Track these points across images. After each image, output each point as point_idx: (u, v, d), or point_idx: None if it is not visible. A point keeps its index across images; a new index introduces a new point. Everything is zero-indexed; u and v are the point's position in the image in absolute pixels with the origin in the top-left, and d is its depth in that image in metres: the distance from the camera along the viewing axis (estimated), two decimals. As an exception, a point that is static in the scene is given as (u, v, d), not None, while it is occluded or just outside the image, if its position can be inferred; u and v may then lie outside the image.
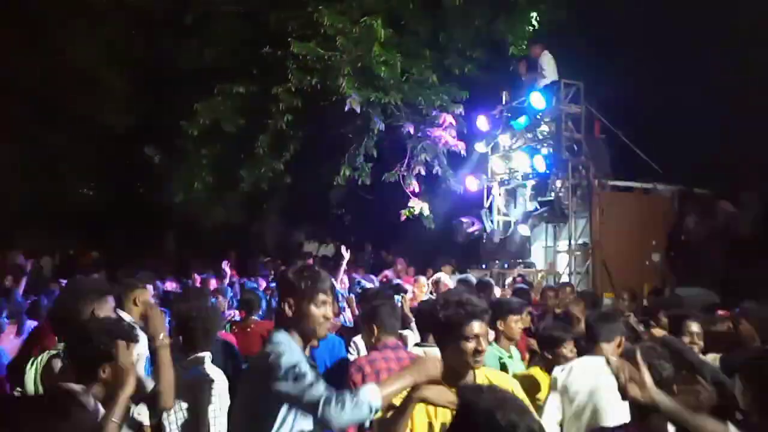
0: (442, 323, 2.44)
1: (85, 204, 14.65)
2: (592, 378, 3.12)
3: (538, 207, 9.82)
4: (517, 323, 4.12)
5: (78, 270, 10.80)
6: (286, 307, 2.33)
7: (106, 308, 2.90)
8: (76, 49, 11.58)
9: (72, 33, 11.61)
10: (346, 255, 7.11)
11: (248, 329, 5.25)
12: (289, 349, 2.21)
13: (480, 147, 10.99)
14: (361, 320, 4.01)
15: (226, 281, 7.69)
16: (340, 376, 3.53)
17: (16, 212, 13.30)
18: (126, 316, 3.98)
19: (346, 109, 9.01)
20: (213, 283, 7.65)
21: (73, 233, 14.31)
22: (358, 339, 4.23)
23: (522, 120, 10.18)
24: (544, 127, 10.40)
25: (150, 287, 4.81)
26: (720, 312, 5.19)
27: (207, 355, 3.20)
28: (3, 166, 12.34)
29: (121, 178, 14.54)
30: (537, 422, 1.56)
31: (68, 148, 12.97)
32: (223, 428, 3.01)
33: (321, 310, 2.33)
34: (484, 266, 10.73)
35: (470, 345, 2.36)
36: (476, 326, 2.38)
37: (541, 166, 9.66)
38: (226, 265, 7.88)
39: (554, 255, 10.21)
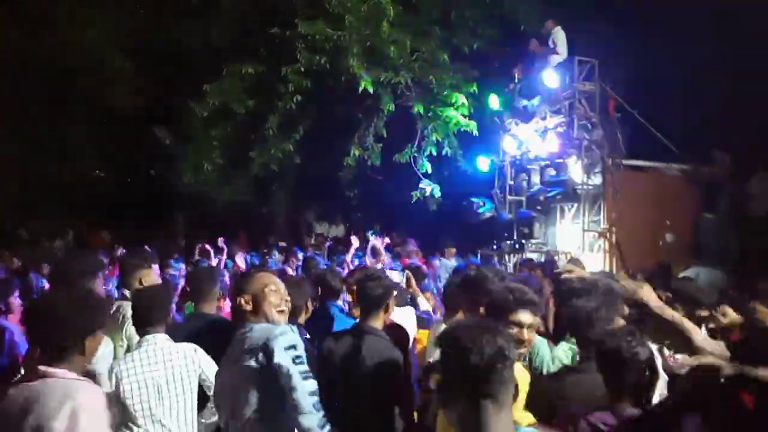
0: (491, 305, 2.49)
1: (96, 185, 14.71)
2: None
3: (551, 187, 9.71)
4: None
5: (90, 251, 10.86)
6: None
7: (97, 285, 2.91)
8: (84, 30, 11.52)
9: (80, 15, 11.55)
10: (355, 243, 7.11)
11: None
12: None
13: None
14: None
15: (223, 257, 7.65)
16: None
17: (28, 194, 13.39)
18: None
19: (360, 91, 8.91)
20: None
21: (84, 215, 14.38)
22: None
23: (535, 101, 10.02)
24: (558, 106, 10.23)
25: (156, 267, 4.80)
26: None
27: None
28: (12, 144, 12.39)
29: (132, 160, 14.55)
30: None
31: (79, 130, 13.00)
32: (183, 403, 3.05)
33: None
34: (495, 247, 10.67)
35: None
36: (522, 315, 2.41)
37: (554, 145, 9.51)
38: (222, 242, 7.84)
39: (567, 235, 10.11)
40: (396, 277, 4.97)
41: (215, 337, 3.05)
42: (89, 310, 2.31)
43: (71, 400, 2.12)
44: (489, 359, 1.51)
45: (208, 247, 7.70)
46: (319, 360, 3.21)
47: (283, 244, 11.97)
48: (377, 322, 3.31)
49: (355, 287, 3.67)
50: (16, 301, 5.06)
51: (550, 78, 9.40)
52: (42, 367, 2.21)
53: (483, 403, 1.52)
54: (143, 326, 3.16)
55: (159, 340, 3.12)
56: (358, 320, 3.49)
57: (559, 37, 9.82)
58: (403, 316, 4.25)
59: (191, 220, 16.19)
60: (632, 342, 2.30)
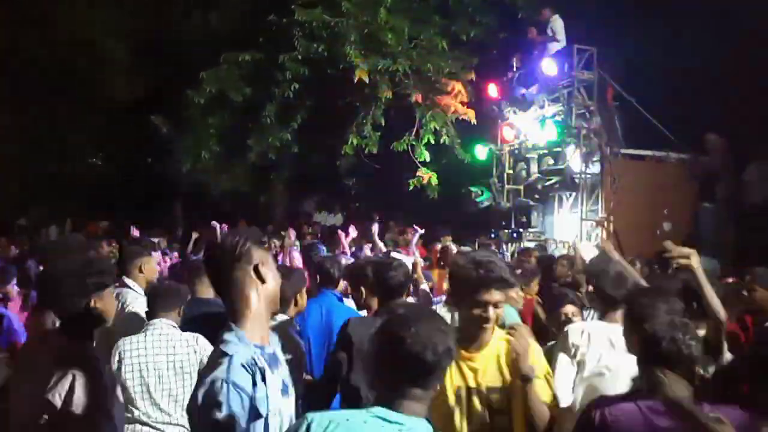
0: (457, 284, 2.39)
1: (94, 173, 14.69)
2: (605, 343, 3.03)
3: (549, 176, 9.71)
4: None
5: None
6: None
7: None
8: (80, 18, 11.45)
9: (78, 2, 11.48)
10: (352, 233, 7.10)
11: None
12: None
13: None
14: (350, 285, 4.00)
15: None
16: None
17: (26, 182, 13.37)
18: (132, 284, 4.02)
19: (355, 80, 8.88)
20: None
21: (82, 203, 14.37)
22: None
23: (534, 90, 9.99)
24: (556, 95, 10.21)
25: (156, 254, 4.82)
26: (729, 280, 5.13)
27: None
28: (12, 136, 12.35)
29: (129, 148, 14.51)
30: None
31: (76, 118, 12.96)
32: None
33: None
34: (492, 236, 10.67)
35: (478, 311, 2.28)
36: (489, 293, 2.26)
37: (552, 134, 9.50)
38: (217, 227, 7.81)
39: (565, 224, 10.13)
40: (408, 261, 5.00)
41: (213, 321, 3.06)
42: (92, 269, 2.40)
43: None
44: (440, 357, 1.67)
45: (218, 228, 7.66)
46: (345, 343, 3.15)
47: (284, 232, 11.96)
48: None
49: (370, 276, 3.59)
50: (14, 289, 5.07)
51: (549, 66, 9.37)
52: None
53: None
54: (155, 312, 3.22)
55: (164, 326, 3.16)
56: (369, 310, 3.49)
57: (557, 25, 9.79)
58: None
59: (189, 209, 16.18)
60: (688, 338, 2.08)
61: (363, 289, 3.53)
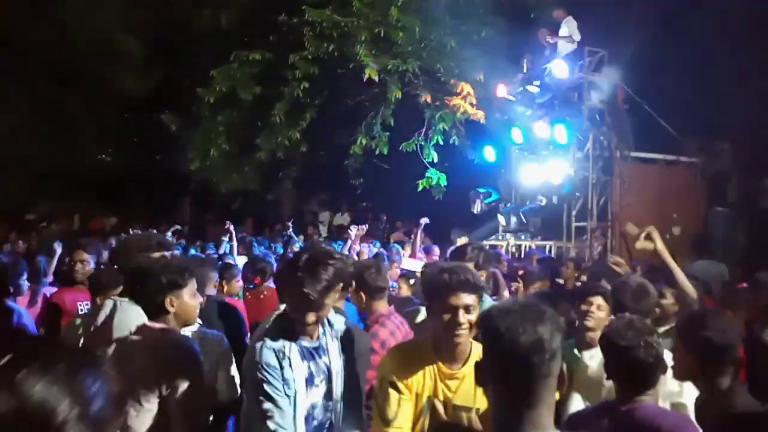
0: (427, 292, 2.35)
1: (103, 169, 14.76)
2: None
3: (558, 178, 9.66)
4: None
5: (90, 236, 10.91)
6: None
7: None
8: (92, 14, 11.50)
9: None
10: (353, 231, 7.02)
11: (261, 296, 5.29)
12: None
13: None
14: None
15: (234, 243, 7.67)
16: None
17: (35, 177, 13.44)
18: None
19: (365, 79, 8.87)
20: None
21: (91, 198, 14.44)
22: None
23: (544, 91, 9.96)
24: (566, 96, 10.16)
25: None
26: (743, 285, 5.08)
27: None
28: (22, 131, 12.43)
29: (139, 145, 14.58)
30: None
31: (86, 113, 13.03)
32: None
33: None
34: (501, 237, 10.65)
35: (447, 316, 2.19)
36: (456, 297, 2.19)
37: (561, 136, 9.46)
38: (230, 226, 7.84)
39: (574, 227, 10.08)
40: (416, 265, 5.00)
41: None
42: (170, 268, 2.46)
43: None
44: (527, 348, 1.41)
45: (231, 228, 7.69)
46: None
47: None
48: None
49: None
50: (24, 284, 5.09)
51: (559, 68, 9.33)
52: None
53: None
54: None
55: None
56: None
57: (571, 25, 9.74)
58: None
59: (197, 206, 16.23)
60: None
61: (362, 293, 3.41)
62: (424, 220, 7.35)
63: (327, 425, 2.41)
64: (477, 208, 10.72)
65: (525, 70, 10.72)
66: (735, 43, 9.48)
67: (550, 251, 9.59)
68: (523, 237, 10.24)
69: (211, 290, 4.33)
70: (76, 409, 0.74)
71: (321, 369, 2.38)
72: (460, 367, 2.26)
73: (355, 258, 6.06)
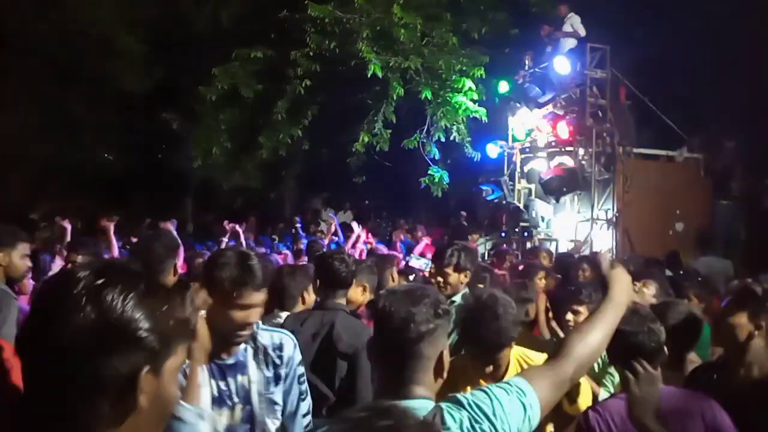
0: None
1: (105, 168, 14.76)
2: None
3: (560, 175, 9.64)
4: None
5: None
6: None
7: None
8: (93, 11, 11.50)
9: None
10: (357, 230, 7.05)
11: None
12: None
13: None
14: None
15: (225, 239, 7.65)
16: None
17: (37, 176, 13.45)
18: None
19: (369, 75, 8.86)
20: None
21: (93, 197, 14.44)
22: None
23: (546, 88, 9.92)
24: (568, 93, 10.13)
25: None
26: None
27: None
28: (24, 129, 12.43)
29: (141, 143, 14.58)
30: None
31: (88, 112, 13.02)
32: None
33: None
34: (503, 234, 10.63)
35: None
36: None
37: (564, 133, 9.44)
38: (227, 225, 7.82)
39: (576, 224, 10.06)
40: (422, 264, 5.00)
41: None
42: None
43: None
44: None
45: (238, 228, 7.66)
46: None
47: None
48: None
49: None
50: (29, 282, 5.09)
51: (561, 65, 9.30)
52: None
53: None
54: None
55: None
56: None
57: (575, 21, 9.71)
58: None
59: (199, 204, 16.24)
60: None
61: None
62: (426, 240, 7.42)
63: None
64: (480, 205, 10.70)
65: (527, 67, 10.70)
66: (738, 38, 9.46)
67: (556, 248, 9.56)
68: (525, 234, 10.22)
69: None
70: (150, 323, 0.91)
71: (236, 389, 2.03)
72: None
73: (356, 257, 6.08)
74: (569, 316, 3.40)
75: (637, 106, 9.70)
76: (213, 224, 13.02)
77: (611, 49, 9.49)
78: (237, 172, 12.20)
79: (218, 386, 1.99)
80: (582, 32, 9.67)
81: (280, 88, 9.91)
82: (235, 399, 2.02)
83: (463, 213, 12.00)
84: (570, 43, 9.72)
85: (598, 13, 10.00)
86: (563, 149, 9.87)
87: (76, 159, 13.56)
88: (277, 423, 2.13)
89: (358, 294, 3.62)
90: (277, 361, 2.13)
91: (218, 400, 1.97)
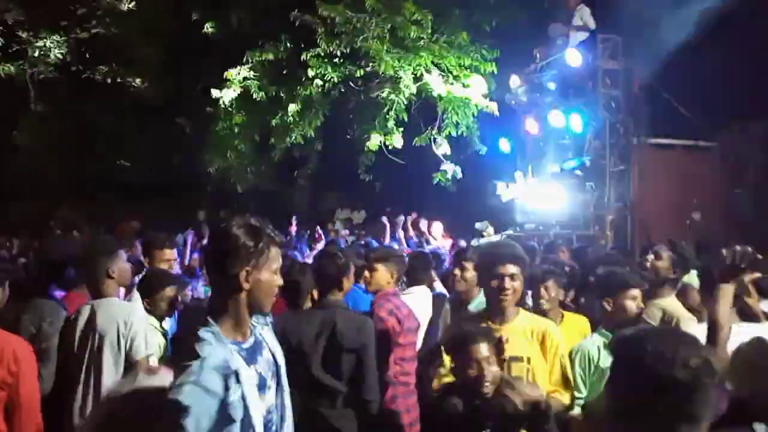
0: (479, 266, 3.04)
1: (122, 175, 14.92)
2: None
3: (574, 167, 9.59)
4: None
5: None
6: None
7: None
8: (107, 18, 11.68)
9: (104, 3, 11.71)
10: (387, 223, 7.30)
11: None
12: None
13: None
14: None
15: None
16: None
17: (55, 185, 13.65)
18: None
19: (381, 73, 8.88)
20: None
21: (111, 205, 14.61)
22: None
23: (558, 80, 9.88)
24: (580, 85, 10.05)
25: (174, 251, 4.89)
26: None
27: None
28: (41, 139, 12.64)
29: (156, 149, 14.71)
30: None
31: (104, 120, 13.20)
32: None
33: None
34: (518, 228, 10.60)
35: (495, 282, 2.78)
36: (503, 267, 2.78)
37: (577, 125, 9.37)
38: None
39: (592, 216, 9.98)
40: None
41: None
42: None
43: None
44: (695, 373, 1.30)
45: None
46: None
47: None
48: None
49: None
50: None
51: (573, 57, 9.24)
52: None
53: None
54: None
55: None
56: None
57: (585, 13, 9.64)
58: (419, 297, 4.31)
59: (214, 207, 16.34)
60: None
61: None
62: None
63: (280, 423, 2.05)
64: (505, 196, 10.67)
65: (538, 60, 10.64)
66: (753, 24, 9.31)
67: (572, 242, 9.50)
68: (541, 228, 10.17)
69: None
70: None
71: (268, 366, 2.02)
72: (503, 324, 2.82)
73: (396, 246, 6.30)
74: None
75: (651, 96, 9.60)
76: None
77: (623, 39, 9.41)
78: (251, 174, 12.27)
79: (256, 371, 1.94)
80: (592, 25, 9.59)
81: (292, 89, 9.96)
82: (268, 379, 2.00)
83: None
84: (580, 35, 9.66)
85: (608, 3, 9.90)
86: (576, 141, 9.81)
87: (93, 167, 13.75)
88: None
89: (386, 279, 3.81)
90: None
91: (261, 386, 1.94)
